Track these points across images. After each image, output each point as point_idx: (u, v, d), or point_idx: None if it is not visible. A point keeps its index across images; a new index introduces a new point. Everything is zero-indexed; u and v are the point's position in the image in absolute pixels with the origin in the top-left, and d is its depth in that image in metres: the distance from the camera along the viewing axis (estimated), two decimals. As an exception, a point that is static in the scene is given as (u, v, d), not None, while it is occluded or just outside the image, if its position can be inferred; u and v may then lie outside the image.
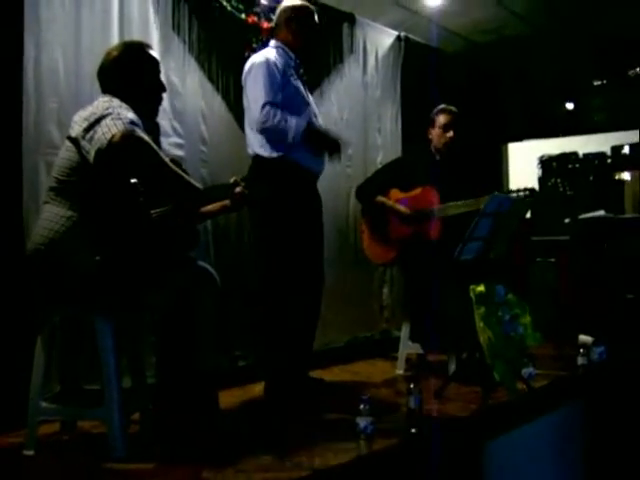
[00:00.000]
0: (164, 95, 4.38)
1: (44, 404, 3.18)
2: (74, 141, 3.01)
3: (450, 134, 5.02)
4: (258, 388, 4.44)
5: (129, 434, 3.17)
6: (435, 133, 5.08)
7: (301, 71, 4.42)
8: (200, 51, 4.78)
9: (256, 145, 4.22)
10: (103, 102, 3.04)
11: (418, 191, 4.91)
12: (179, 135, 4.60)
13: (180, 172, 3.05)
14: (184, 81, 4.66)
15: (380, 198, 5.00)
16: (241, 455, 3.02)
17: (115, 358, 3.09)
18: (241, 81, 4.35)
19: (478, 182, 4.92)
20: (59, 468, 3.02)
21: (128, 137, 2.86)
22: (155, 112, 3.41)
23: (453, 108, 5.11)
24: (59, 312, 3.24)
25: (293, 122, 4.08)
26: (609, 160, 7.12)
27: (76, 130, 3.00)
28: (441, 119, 5.06)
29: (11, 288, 3.53)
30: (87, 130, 2.94)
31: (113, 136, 2.83)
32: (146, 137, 2.95)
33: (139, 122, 2.99)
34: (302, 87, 4.36)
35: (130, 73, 3.23)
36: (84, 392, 3.50)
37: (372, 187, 5.09)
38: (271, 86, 4.12)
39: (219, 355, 3.31)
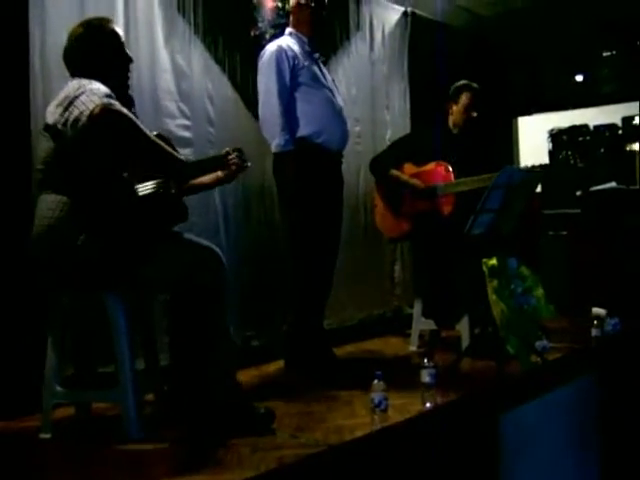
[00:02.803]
0: (170, 76, 4.44)
1: (58, 388, 3.20)
2: (50, 129, 3.00)
3: (474, 114, 5.01)
4: (272, 367, 4.46)
5: (144, 415, 3.19)
6: (457, 110, 5.05)
7: (316, 55, 4.48)
8: (205, 32, 4.72)
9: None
10: (72, 84, 3.03)
11: (432, 166, 4.88)
12: (186, 117, 4.57)
13: (161, 143, 3.04)
14: (190, 62, 4.62)
15: (394, 172, 4.96)
16: (257, 434, 3.02)
17: (128, 339, 3.09)
18: (247, 61, 4.38)
19: (491, 158, 4.89)
20: (75, 450, 3.04)
21: (108, 110, 2.85)
22: (126, 85, 3.34)
23: (476, 85, 5.08)
24: (67, 297, 3.26)
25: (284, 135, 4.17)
26: (620, 131, 7.07)
27: (52, 120, 3.00)
28: (465, 98, 5.03)
29: (22, 274, 3.53)
30: (62, 114, 2.93)
31: (92, 110, 2.83)
32: (124, 109, 2.94)
33: (112, 94, 2.98)
34: (319, 71, 4.42)
35: (94, 51, 3.19)
36: (98, 375, 3.52)
37: (386, 160, 5.06)
38: (282, 76, 4.23)
39: (231, 334, 3.29)
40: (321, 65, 4.52)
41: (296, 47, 4.35)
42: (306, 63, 4.33)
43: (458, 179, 4.70)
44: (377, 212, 5.14)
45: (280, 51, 4.26)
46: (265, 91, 4.26)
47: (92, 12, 3.97)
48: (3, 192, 3.61)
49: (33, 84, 3.76)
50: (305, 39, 4.44)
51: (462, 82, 5.11)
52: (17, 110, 3.68)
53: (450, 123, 5.10)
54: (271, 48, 4.31)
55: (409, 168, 4.97)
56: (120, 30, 3.34)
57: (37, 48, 3.78)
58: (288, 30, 4.48)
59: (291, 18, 4.51)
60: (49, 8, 3.84)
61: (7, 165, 3.63)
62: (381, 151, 5.31)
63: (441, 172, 4.82)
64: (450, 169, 4.79)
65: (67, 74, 3.81)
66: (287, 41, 4.37)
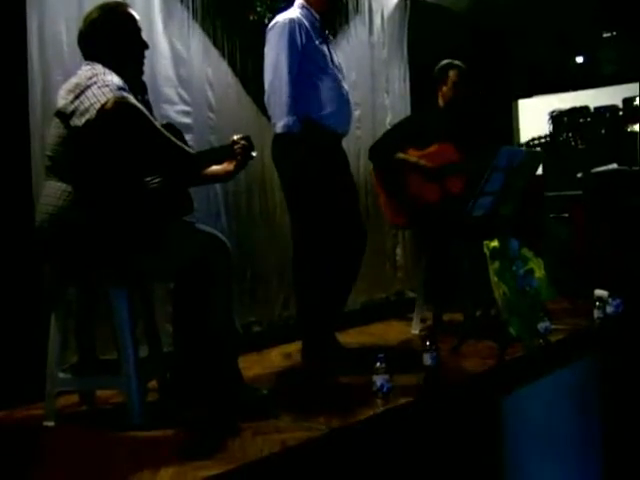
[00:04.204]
0: (169, 62, 4.43)
1: (61, 375, 3.21)
2: (61, 115, 2.98)
3: (465, 90, 5.00)
4: (274, 353, 4.47)
5: (147, 402, 3.20)
6: (447, 89, 5.05)
7: (326, 32, 4.29)
8: (204, 17, 4.71)
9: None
10: (86, 71, 3.00)
11: (435, 148, 4.86)
12: (186, 103, 4.57)
13: (172, 138, 3.01)
14: (188, 48, 4.61)
15: (400, 155, 4.89)
16: (259, 418, 3.03)
17: (130, 325, 3.10)
18: (246, 46, 4.30)
19: (490, 137, 4.87)
20: (79, 438, 3.05)
21: (120, 103, 2.83)
22: (140, 71, 3.31)
23: (460, 63, 5.07)
24: (72, 285, 3.27)
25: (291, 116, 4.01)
26: (621, 113, 7.06)
27: (61, 104, 2.97)
28: (452, 75, 5.03)
29: (26, 261, 3.54)
30: (73, 102, 2.91)
31: (104, 104, 2.81)
32: (137, 103, 2.93)
33: (125, 86, 2.96)
34: (328, 51, 4.23)
35: (110, 35, 3.15)
36: (101, 362, 3.52)
37: (388, 146, 4.98)
38: (294, 49, 4.03)
39: (235, 320, 3.31)
40: (330, 45, 4.33)
41: (307, 22, 4.12)
42: (317, 42, 4.14)
43: (470, 159, 4.69)
44: (381, 199, 5.06)
45: (293, 23, 4.04)
46: (274, 65, 4.04)
47: (90, 3, 3.95)
48: (4, 182, 3.62)
49: (31, 76, 3.76)
50: (317, 15, 4.21)
51: (445, 61, 5.12)
52: (16, 102, 3.69)
53: (442, 103, 5.10)
54: (283, 19, 4.09)
55: (412, 153, 4.91)
56: (137, 15, 3.29)
57: (35, 38, 3.78)
58: (299, 2, 4.24)
59: None
60: (47, 0, 3.83)
61: (7, 156, 3.64)
62: (378, 139, 5.23)
63: (448, 151, 4.81)
64: (453, 147, 4.80)
65: (65, 64, 3.85)
66: (298, 14, 4.13)
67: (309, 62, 4.08)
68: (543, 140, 4.62)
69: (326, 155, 4.14)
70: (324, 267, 4.15)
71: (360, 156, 5.74)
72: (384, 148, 5.00)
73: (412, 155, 4.90)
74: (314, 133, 4.06)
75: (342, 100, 4.23)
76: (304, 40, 4.05)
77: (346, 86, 4.33)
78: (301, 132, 4.01)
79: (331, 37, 4.41)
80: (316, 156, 4.05)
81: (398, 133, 5.10)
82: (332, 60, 4.26)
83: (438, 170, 4.75)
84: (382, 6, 6.26)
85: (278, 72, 4.01)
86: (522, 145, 4.63)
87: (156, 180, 3.14)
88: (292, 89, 3.99)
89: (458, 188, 4.69)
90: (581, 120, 7.11)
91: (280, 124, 4.01)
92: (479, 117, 5.56)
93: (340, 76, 4.27)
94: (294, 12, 4.15)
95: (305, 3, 4.22)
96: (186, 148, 3.09)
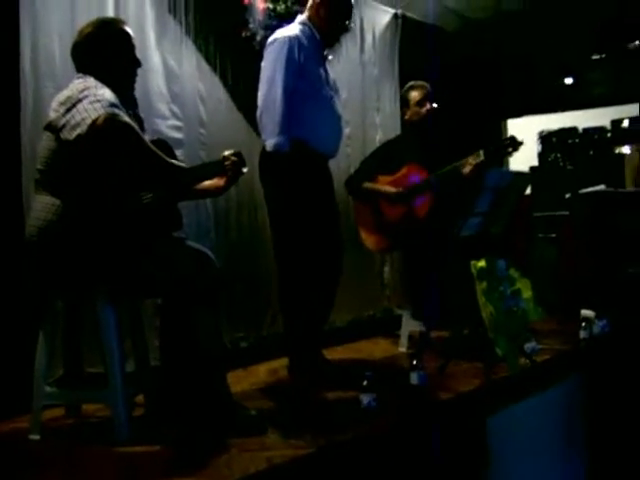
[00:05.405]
0: (161, 78, 4.44)
1: (48, 388, 3.20)
2: (52, 128, 2.99)
3: (428, 107, 5.00)
4: (262, 369, 4.46)
5: (134, 417, 3.19)
6: (411, 111, 5.06)
7: (325, 53, 4.26)
8: (197, 33, 4.73)
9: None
10: (78, 84, 3.00)
11: (404, 170, 4.90)
12: (177, 118, 4.57)
13: (162, 155, 3.01)
14: (181, 63, 4.62)
15: (367, 184, 4.97)
16: (245, 435, 3.02)
17: (117, 340, 3.10)
18: (238, 62, 4.30)
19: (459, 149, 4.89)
20: (64, 451, 3.04)
21: (111, 120, 2.83)
22: (131, 87, 3.32)
23: (422, 83, 5.10)
24: (60, 299, 3.27)
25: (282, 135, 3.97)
26: (609, 134, 7.10)
27: (53, 117, 2.98)
28: (415, 95, 5.04)
29: (14, 273, 3.54)
30: (64, 115, 2.91)
31: (95, 120, 2.81)
32: (128, 120, 2.94)
33: (117, 102, 2.96)
34: (324, 73, 4.19)
35: (104, 49, 3.17)
36: (88, 376, 3.52)
37: (359, 177, 5.07)
38: (290, 69, 3.97)
39: (223, 337, 3.31)
40: (327, 66, 4.28)
41: (306, 41, 4.06)
42: (315, 62, 4.10)
43: (436, 172, 4.73)
44: (360, 230, 5.09)
45: (293, 41, 3.99)
46: (270, 82, 3.98)
47: (83, 14, 3.97)
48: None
49: (24, 87, 3.75)
50: (317, 35, 4.14)
51: (407, 85, 5.17)
52: (8, 114, 3.69)
53: (409, 125, 5.14)
54: (282, 36, 4.03)
55: (383, 179, 4.97)
56: (131, 32, 3.30)
57: (28, 51, 3.77)
58: (301, 19, 4.19)
59: (309, 8, 4.19)
60: (40, 10, 3.83)
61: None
62: (354, 171, 5.26)
63: (414, 171, 4.85)
64: (421, 167, 4.84)
65: (57, 76, 3.85)
66: (299, 31, 4.08)
67: (305, 82, 4.03)
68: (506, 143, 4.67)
69: (312, 177, 4.11)
70: (306, 285, 4.13)
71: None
72: (354, 179, 5.10)
73: (383, 180, 4.97)
74: (302, 154, 4.03)
75: (334, 123, 4.23)
76: (302, 60, 4.00)
77: (339, 108, 4.32)
78: (289, 152, 3.97)
79: (329, 57, 4.36)
80: (302, 177, 4.03)
81: (370, 163, 5.15)
82: (327, 81, 4.22)
83: (403, 194, 4.81)
84: (373, 24, 6.29)
85: (273, 90, 3.96)
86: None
87: (147, 196, 3.14)
88: (285, 109, 3.93)
89: (424, 211, 4.74)
90: (570, 141, 7.15)
91: (270, 143, 3.97)
92: (464, 137, 5.59)
93: (335, 97, 4.25)
94: (295, 29, 4.10)
95: (308, 21, 4.17)
96: (176, 164, 3.09)
